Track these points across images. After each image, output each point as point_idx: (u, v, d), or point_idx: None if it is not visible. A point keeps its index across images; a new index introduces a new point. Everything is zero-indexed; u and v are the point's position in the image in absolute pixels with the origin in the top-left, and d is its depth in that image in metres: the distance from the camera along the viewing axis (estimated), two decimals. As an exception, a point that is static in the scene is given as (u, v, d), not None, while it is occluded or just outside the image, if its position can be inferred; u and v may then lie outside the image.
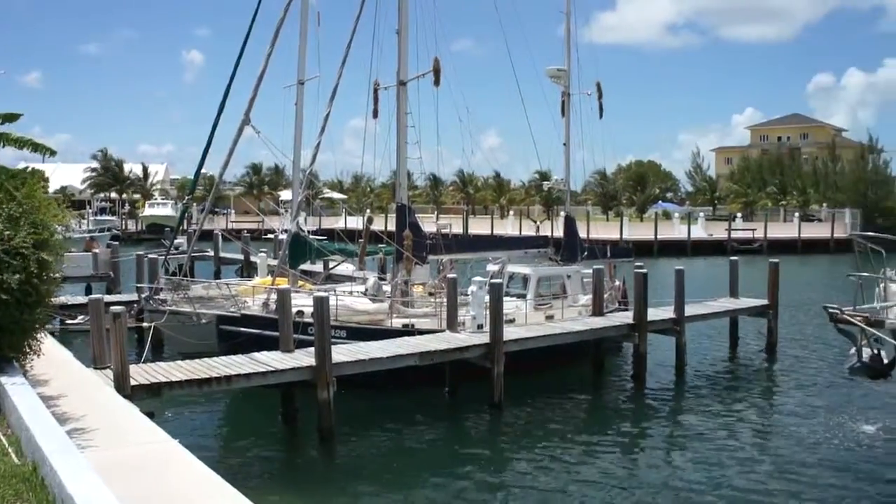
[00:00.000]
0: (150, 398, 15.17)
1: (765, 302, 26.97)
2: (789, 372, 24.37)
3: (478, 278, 22.34)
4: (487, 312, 20.11)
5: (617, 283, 28.37)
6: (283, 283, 23.08)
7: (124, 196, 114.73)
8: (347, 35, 25.18)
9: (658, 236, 71.10)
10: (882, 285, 14.65)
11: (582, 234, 33.46)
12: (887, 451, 16.54)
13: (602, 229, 61.68)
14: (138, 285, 28.09)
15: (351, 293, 24.16)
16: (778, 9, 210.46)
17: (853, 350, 14.47)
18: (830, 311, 13.64)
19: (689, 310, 24.64)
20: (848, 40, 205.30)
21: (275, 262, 27.75)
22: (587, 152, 39.61)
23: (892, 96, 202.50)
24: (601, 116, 29.31)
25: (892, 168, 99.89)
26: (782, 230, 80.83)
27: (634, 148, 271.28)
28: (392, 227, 26.38)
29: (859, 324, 13.30)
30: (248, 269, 39.69)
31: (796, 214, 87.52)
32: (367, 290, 24.30)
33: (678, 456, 16.62)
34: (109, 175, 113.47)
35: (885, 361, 13.88)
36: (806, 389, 22.11)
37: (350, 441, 17.27)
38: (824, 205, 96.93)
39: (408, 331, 21.08)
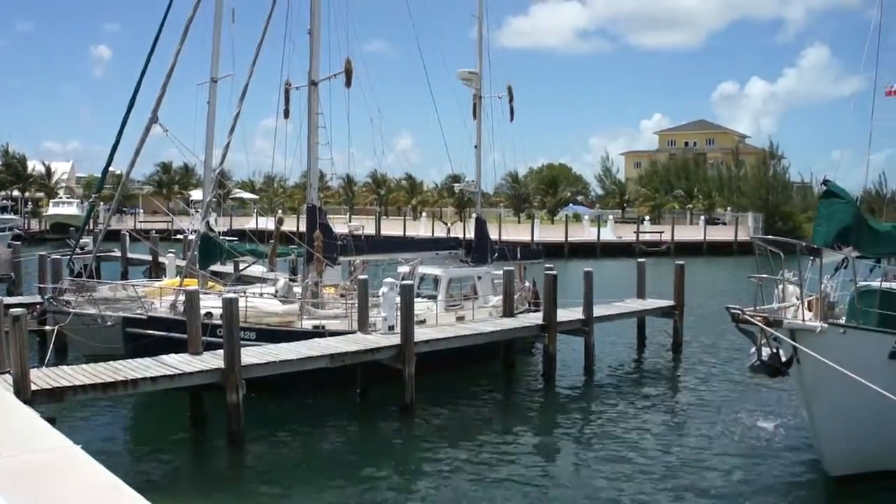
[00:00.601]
0: (51, 403, 14.77)
1: (671, 303, 27.66)
2: (693, 370, 25.04)
3: (389, 280, 22.35)
4: (398, 314, 20.13)
5: (527, 284, 28.70)
6: (191, 285, 22.69)
7: (27, 194, 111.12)
8: (260, 33, 24.95)
9: (568, 238, 72.15)
10: (780, 287, 15.19)
11: (493, 235, 33.70)
12: (785, 445, 17.17)
13: (513, 231, 61.97)
14: (41, 286, 27.24)
15: (261, 295, 23.92)
16: (684, 18, 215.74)
17: (753, 349, 14.94)
18: (732, 311, 14.03)
19: (598, 311, 25.08)
20: (751, 50, 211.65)
21: (184, 263, 27.25)
22: (499, 155, 39.85)
23: (792, 105, 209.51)
24: (512, 119, 29.67)
25: (792, 174, 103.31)
26: (688, 233, 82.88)
27: (546, 151, 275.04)
28: (303, 227, 26.16)
29: (759, 324, 13.72)
30: (156, 270, 38.78)
31: (702, 217, 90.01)
32: (277, 291, 24.08)
33: (588, 453, 16.94)
34: (11, 172, 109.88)
35: (783, 360, 14.37)
36: (709, 387, 22.75)
37: (260, 444, 17.09)
38: (728, 208, 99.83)
39: (318, 332, 20.96)
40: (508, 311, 24.38)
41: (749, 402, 20.75)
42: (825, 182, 15.36)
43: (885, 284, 16.27)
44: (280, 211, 79.53)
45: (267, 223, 47.71)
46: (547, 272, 23.53)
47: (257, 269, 30.77)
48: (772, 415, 19.38)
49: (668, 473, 15.54)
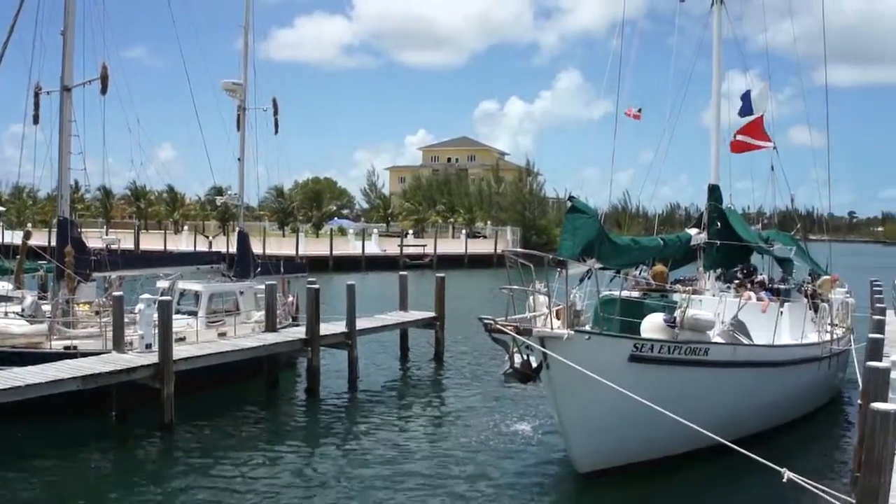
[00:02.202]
0: None
1: (433, 314, 28.43)
2: (455, 379, 25.85)
3: (146, 296, 21.56)
4: (156, 331, 19.48)
5: (290, 298, 28.56)
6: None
7: None
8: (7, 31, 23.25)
9: (333, 252, 72.35)
10: (531, 297, 16.03)
11: (258, 249, 33.25)
12: (539, 446, 18.08)
13: (278, 245, 61.54)
14: None
15: (6, 314, 22.36)
16: (447, 38, 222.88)
17: (507, 357, 15.65)
18: (485, 321, 14.62)
19: (361, 323, 25.37)
20: (510, 71, 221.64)
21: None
22: (263, 168, 39.43)
23: (548, 125, 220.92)
24: (277, 132, 29.34)
25: (547, 190, 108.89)
26: (451, 246, 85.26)
27: (312, 165, 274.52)
28: (54, 242, 24.67)
29: (510, 332, 14.40)
30: None
31: (463, 231, 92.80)
32: (24, 310, 22.57)
33: (354, 464, 17.01)
34: None
35: (534, 366, 15.16)
36: (470, 394, 23.56)
37: (4, 476, 15.96)
38: (489, 222, 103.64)
39: (70, 353, 19.85)
40: (271, 325, 24.18)
41: (507, 407, 21.68)
42: (570, 198, 16.43)
43: (625, 293, 17.55)
44: (29, 224, 74.65)
45: (14, 237, 44.56)
46: (309, 286, 23.53)
47: (1, 287, 28.71)
48: (528, 418, 20.34)
49: (430, 479, 15.96)
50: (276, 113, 29.28)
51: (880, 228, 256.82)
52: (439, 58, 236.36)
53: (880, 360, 14.48)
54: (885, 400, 11.66)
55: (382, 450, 17.95)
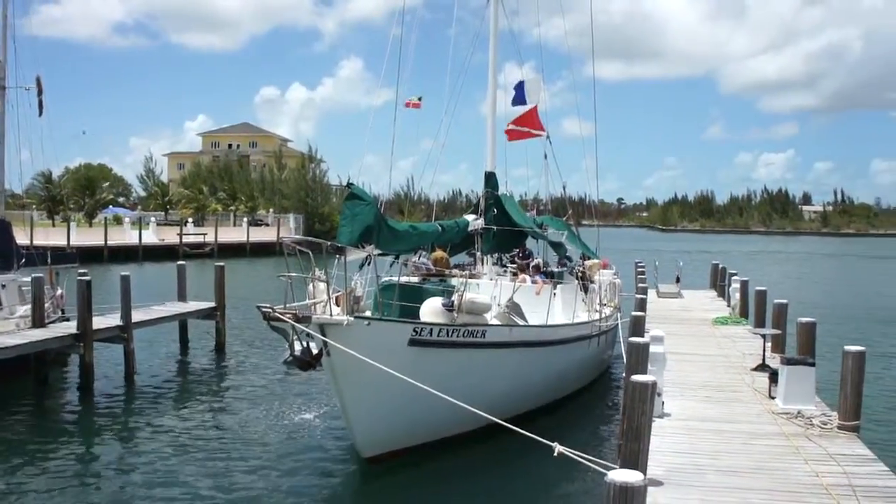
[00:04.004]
0: None
1: (212, 304, 27.74)
2: (237, 369, 25.35)
3: None
4: None
5: (60, 291, 26.98)
6: None
7: None
8: None
9: (108, 242, 69.08)
10: (311, 285, 15.95)
11: (24, 240, 31.11)
12: (324, 433, 18.06)
13: (46, 235, 58.07)
14: None
15: None
16: (225, 19, 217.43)
17: (287, 345, 15.52)
18: (263, 310, 14.40)
19: (137, 316, 24.36)
20: (291, 57, 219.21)
21: None
22: (28, 153, 36.88)
23: (330, 111, 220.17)
24: (41, 114, 27.48)
25: (331, 177, 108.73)
26: (232, 234, 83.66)
27: (84, 150, 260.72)
28: None
29: (289, 321, 14.27)
30: None
31: (245, 219, 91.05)
32: None
33: (132, 461, 16.31)
34: None
35: (314, 353, 15.11)
36: (252, 384, 23.16)
37: None
38: (271, 210, 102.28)
39: None
40: (38, 321, 22.76)
41: (290, 395, 21.53)
42: (349, 185, 16.44)
43: (404, 279, 17.80)
44: None
45: None
46: (80, 278, 22.34)
47: None
48: (312, 405, 20.32)
49: (213, 472, 15.56)
50: (40, 93, 27.40)
51: (645, 214, 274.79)
52: (218, 41, 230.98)
53: (642, 336, 15.46)
54: (644, 372, 12.47)
55: (162, 445, 17.33)
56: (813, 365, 15.04)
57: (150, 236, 76.35)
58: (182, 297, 28.20)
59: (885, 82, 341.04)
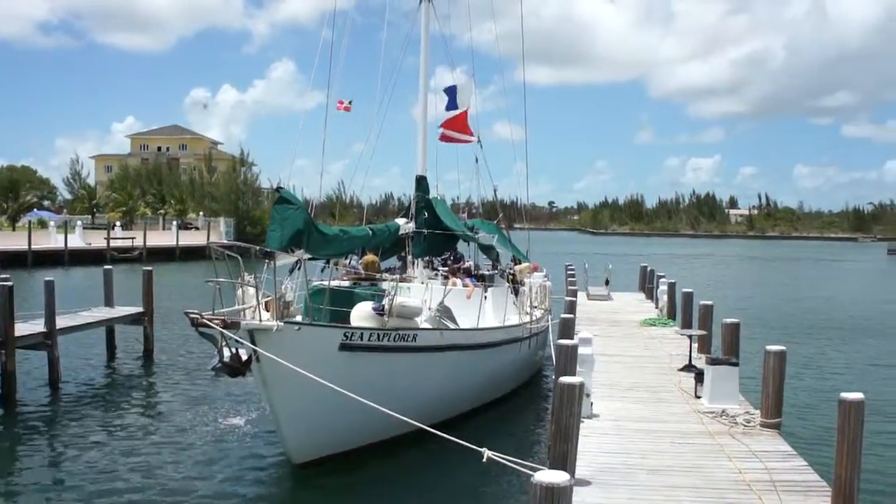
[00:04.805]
0: None
1: (140, 309, 27.26)
2: (165, 376, 24.92)
3: None
4: None
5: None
6: None
7: None
8: None
9: (32, 246, 67.40)
10: (240, 290, 15.79)
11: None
12: (254, 440, 17.84)
13: (-32, 240, 56.67)
14: None
15: None
16: (152, 20, 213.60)
17: (216, 351, 15.33)
18: (191, 315, 14.17)
19: (62, 322, 23.81)
20: (221, 59, 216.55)
21: None
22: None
23: (262, 114, 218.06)
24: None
25: (263, 180, 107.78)
26: (162, 238, 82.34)
27: (7, 152, 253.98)
28: None
29: (217, 327, 14.08)
30: None
31: (175, 223, 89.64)
32: None
33: (58, 472, 15.92)
34: None
35: (243, 359, 14.96)
36: (181, 391, 22.80)
37: None
38: (202, 213, 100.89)
39: None
40: (-44, 328, 22.10)
41: (220, 402, 21.24)
42: (278, 189, 16.36)
43: (335, 283, 17.72)
44: None
45: None
46: (1, 283, 21.76)
47: None
48: (242, 412, 20.09)
49: (142, 481, 15.24)
50: (-43, 94, 26.71)
51: (576, 217, 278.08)
52: (146, 41, 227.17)
53: (571, 338, 15.65)
54: (573, 373, 12.64)
55: (89, 454, 16.92)
56: (737, 365, 15.41)
57: (77, 240, 74.69)
58: (109, 302, 27.64)
59: (806, 90, 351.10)
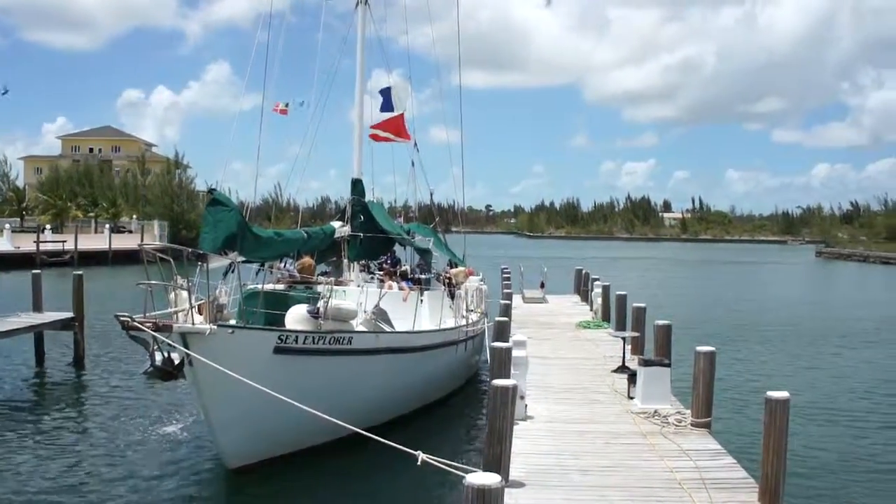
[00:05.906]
0: None
1: (70, 314, 26.68)
2: (98, 382, 24.44)
3: None
4: None
5: None
6: None
7: None
8: None
9: (-42, 251, 65.73)
10: (172, 293, 15.57)
11: None
12: (189, 445, 17.59)
13: None
14: None
15: None
16: (83, 18, 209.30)
17: (148, 355, 15.11)
18: (122, 318, 13.93)
19: (-12, 327, 23.27)
20: (154, 59, 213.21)
21: None
22: None
23: (197, 116, 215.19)
24: None
25: (198, 183, 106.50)
26: (93, 242, 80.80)
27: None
28: None
29: (149, 330, 13.88)
30: None
31: (107, 226, 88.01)
32: None
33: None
34: None
35: (176, 363, 14.77)
36: (114, 397, 22.37)
37: None
38: (135, 216, 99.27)
39: None
40: None
41: (154, 407, 20.90)
42: (211, 191, 16.18)
43: (269, 286, 17.59)
44: None
45: None
46: (-76, 289, 21.21)
47: None
48: (176, 416, 19.81)
49: (74, 487, 14.95)
50: None
51: (513, 220, 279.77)
52: (77, 40, 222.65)
53: (506, 341, 15.77)
54: (507, 376, 12.72)
55: (16, 466, 16.40)
56: (668, 366, 15.69)
57: (5, 244, 72.98)
58: (38, 307, 26.98)
59: (736, 96, 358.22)
